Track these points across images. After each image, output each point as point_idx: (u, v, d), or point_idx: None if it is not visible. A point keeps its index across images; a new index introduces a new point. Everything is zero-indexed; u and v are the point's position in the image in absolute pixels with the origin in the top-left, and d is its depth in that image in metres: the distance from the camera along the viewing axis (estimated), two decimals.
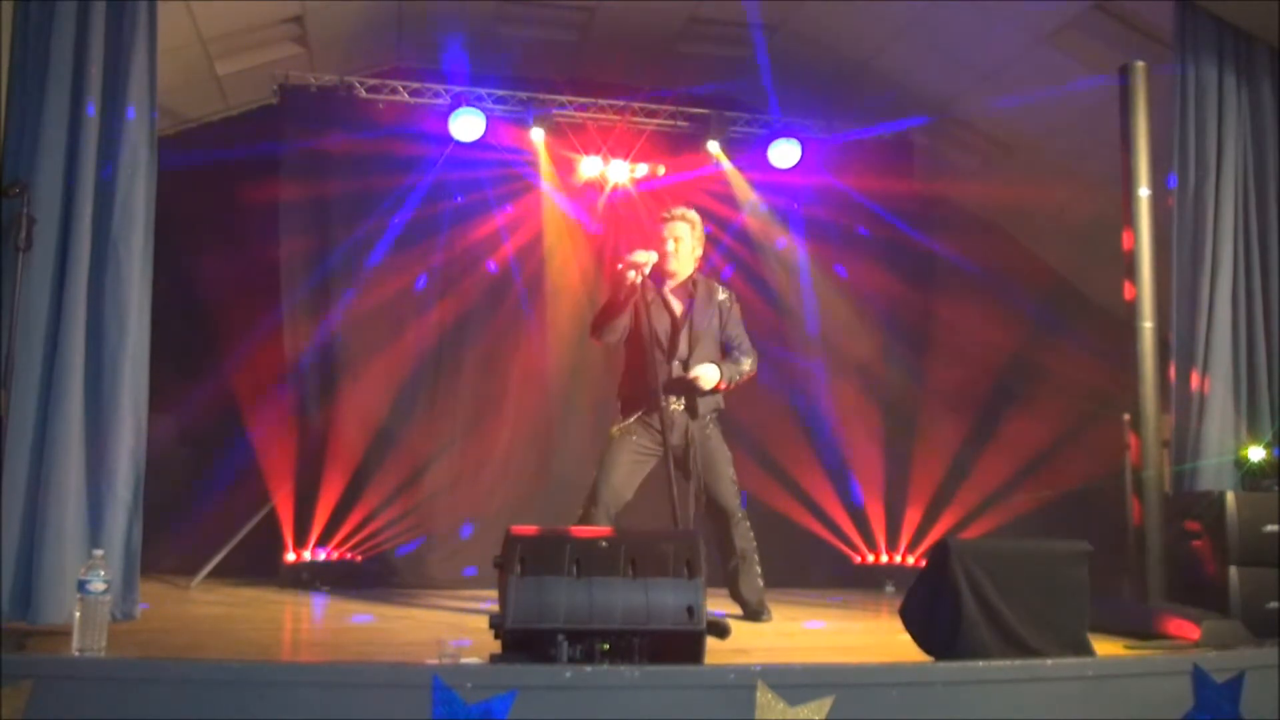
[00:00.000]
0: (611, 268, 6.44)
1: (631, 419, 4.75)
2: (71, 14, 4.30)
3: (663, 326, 4.76)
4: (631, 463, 4.70)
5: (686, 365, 4.71)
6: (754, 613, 4.78)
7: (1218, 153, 5.30)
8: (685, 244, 4.85)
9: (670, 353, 4.73)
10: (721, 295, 4.95)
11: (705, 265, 6.69)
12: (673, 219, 4.90)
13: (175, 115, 6.70)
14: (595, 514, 4.61)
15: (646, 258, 4.69)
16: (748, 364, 4.84)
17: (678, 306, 4.82)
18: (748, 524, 4.84)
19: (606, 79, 7.37)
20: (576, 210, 7.34)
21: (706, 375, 4.69)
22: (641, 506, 4.90)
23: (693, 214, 4.93)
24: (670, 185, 7.31)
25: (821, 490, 7.41)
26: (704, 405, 4.76)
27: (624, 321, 4.77)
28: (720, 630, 3.93)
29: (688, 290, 4.87)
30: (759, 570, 4.84)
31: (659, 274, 4.83)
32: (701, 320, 4.82)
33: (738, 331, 4.91)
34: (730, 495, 4.75)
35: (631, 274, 4.66)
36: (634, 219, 7.30)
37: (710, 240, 7.15)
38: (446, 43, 6.89)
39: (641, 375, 4.76)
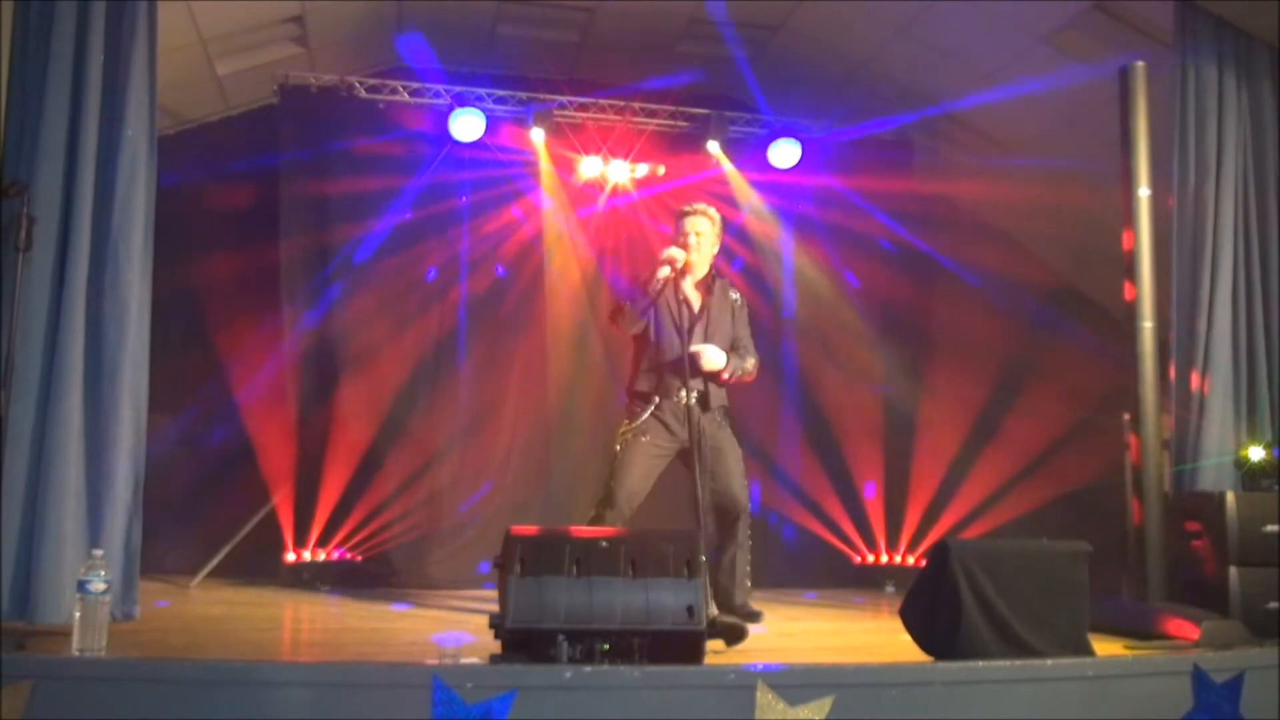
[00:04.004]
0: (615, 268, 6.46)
1: (643, 417, 4.67)
2: (71, 14, 4.29)
3: (682, 321, 4.72)
4: (647, 464, 4.63)
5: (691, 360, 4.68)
6: (748, 616, 4.54)
7: (1218, 153, 5.30)
8: (706, 239, 4.78)
9: (686, 348, 4.69)
10: (734, 295, 4.91)
11: None
12: (695, 213, 4.81)
13: (175, 115, 6.70)
14: (610, 517, 4.51)
15: (682, 255, 4.67)
16: (751, 363, 4.82)
17: (696, 301, 4.79)
18: (749, 521, 4.79)
19: (606, 79, 7.38)
20: (576, 210, 7.35)
21: (711, 355, 4.67)
22: (655, 505, 4.87)
23: (714, 211, 4.86)
24: (670, 185, 7.31)
25: (821, 490, 7.41)
26: (715, 398, 4.72)
27: (647, 313, 4.72)
28: (735, 633, 3.91)
29: (706, 286, 4.84)
30: (749, 570, 4.74)
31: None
32: (717, 318, 4.80)
33: (745, 333, 4.89)
34: (743, 491, 4.70)
35: (666, 270, 4.62)
36: (634, 220, 7.32)
37: None
38: (438, 41, 6.89)
39: (657, 369, 4.71)
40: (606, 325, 5.26)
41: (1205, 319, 5.17)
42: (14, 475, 3.99)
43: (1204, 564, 4.72)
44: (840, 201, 7.54)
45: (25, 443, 4.03)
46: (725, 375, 4.72)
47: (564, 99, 7.14)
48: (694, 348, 4.62)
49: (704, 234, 4.78)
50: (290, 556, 6.46)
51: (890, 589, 7.08)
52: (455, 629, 4.66)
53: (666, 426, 4.66)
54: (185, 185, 5.80)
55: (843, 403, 7.45)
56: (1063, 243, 7.73)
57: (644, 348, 4.81)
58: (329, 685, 2.92)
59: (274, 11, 6.38)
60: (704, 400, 4.64)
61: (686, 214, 4.84)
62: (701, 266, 4.82)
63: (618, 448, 4.70)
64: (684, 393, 4.62)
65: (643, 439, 4.65)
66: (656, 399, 4.68)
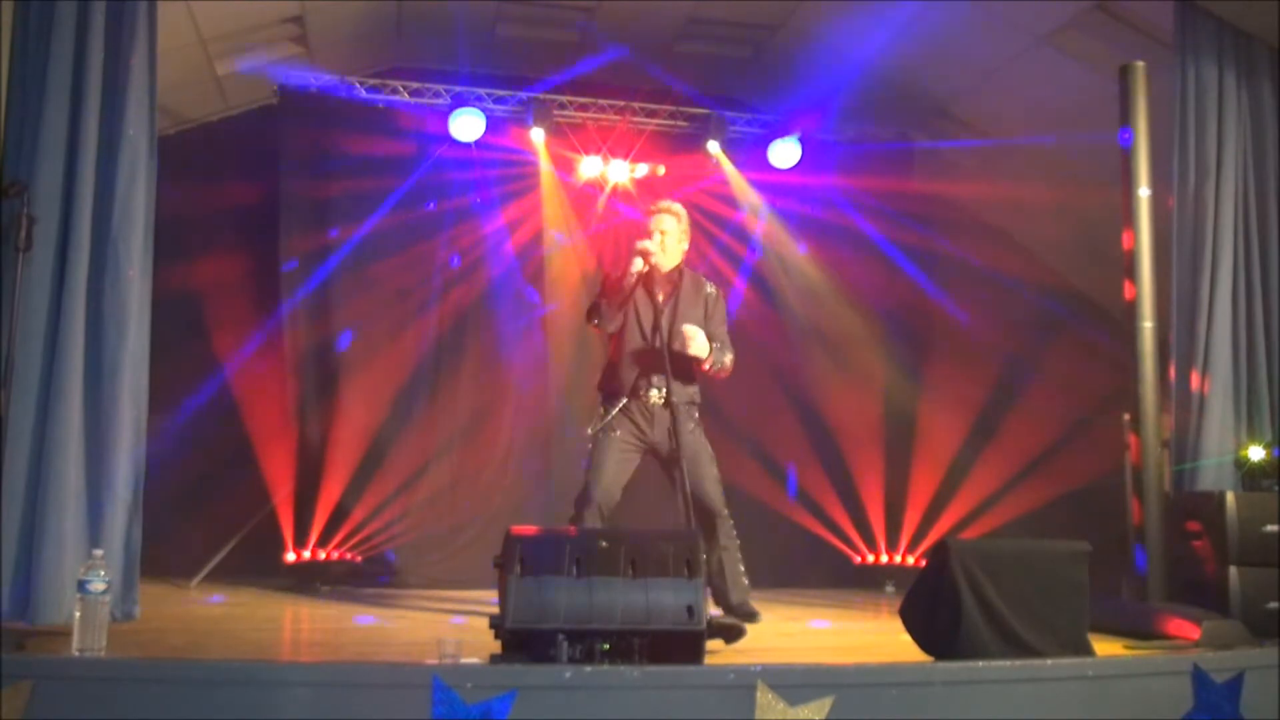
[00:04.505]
0: (610, 267, 6.44)
1: (612, 414, 4.71)
2: (71, 14, 4.29)
3: (646, 316, 4.77)
4: (619, 460, 4.67)
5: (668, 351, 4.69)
6: (746, 615, 4.60)
7: (1218, 153, 5.30)
8: (671, 236, 4.85)
9: (652, 342, 4.73)
10: (708, 289, 4.94)
11: (704, 264, 6.74)
12: (659, 211, 4.91)
13: (175, 115, 6.70)
14: (587, 516, 4.57)
15: (656, 248, 4.73)
16: (729, 358, 4.85)
17: (660, 296, 4.82)
18: (731, 522, 4.79)
19: (606, 79, 7.37)
20: (576, 211, 7.35)
21: (696, 338, 4.68)
22: (640, 506, 4.89)
23: (678, 207, 4.95)
24: (670, 185, 7.31)
25: (821, 490, 7.41)
26: (680, 395, 4.74)
27: (623, 309, 4.76)
28: (733, 633, 3.91)
29: (672, 280, 4.88)
30: (743, 569, 4.75)
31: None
32: (685, 311, 4.81)
33: (721, 330, 4.92)
34: (715, 493, 4.71)
35: (639, 263, 4.67)
36: (634, 220, 7.31)
37: (710, 240, 7.21)
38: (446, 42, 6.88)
39: (623, 366, 4.75)
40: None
41: (1205, 319, 5.17)
42: (14, 475, 3.99)
43: (1204, 564, 4.72)
44: (840, 201, 7.53)
45: (25, 443, 4.03)
46: (706, 365, 4.75)
47: (564, 99, 7.14)
48: (684, 327, 4.65)
49: (669, 231, 4.86)
50: (290, 556, 6.47)
51: (890, 589, 7.08)
52: (455, 629, 4.67)
53: (634, 423, 4.72)
54: (185, 186, 5.79)
55: (843, 403, 7.44)
56: (1063, 243, 7.72)
57: (612, 346, 4.88)
58: (329, 685, 2.92)
59: (274, 11, 6.38)
60: (668, 400, 4.66)
61: (652, 212, 4.94)
62: (668, 263, 4.87)
63: (589, 446, 4.75)
64: (653, 392, 4.66)
65: (613, 434, 4.71)
66: (624, 398, 4.73)
